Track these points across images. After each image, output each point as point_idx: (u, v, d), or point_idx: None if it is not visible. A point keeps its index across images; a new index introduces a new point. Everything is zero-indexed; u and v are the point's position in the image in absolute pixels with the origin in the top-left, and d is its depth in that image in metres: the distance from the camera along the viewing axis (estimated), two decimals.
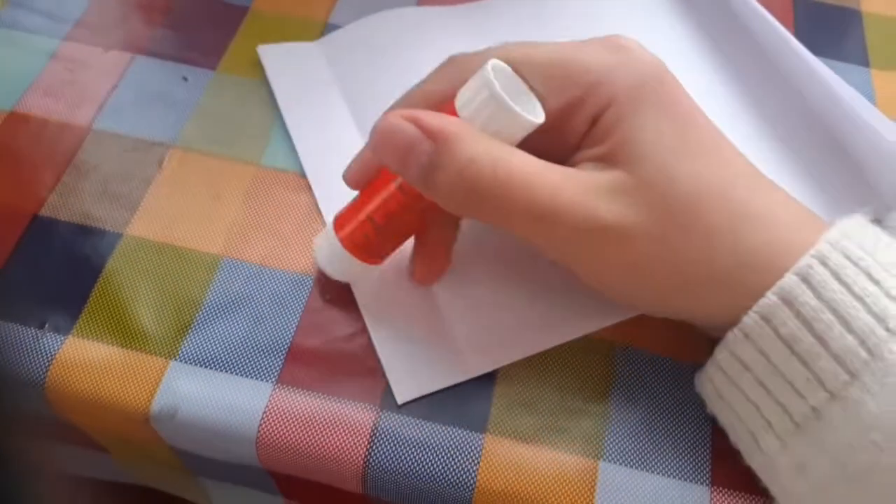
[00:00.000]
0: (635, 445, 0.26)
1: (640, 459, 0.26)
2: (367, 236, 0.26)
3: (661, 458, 0.26)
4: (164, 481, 0.33)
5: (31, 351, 0.26)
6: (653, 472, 0.25)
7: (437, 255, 0.28)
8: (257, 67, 0.34)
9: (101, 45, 0.35)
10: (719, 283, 0.23)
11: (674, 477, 0.25)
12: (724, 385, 0.24)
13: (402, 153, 0.23)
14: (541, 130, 0.24)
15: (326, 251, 0.27)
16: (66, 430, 0.29)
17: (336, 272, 0.28)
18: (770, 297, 0.22)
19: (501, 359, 0.27)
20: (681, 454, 0.26)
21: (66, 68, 0.34)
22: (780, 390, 0.22)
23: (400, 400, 0.26)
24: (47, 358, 0.26)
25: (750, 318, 0.22)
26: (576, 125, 0.24)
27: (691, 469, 0.25)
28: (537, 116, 0.24)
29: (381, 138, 0.24)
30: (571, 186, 0.23)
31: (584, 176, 0.24)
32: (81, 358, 0.26)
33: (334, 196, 0.29)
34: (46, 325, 0.27)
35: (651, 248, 0.23)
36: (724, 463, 0.25)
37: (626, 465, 0.25)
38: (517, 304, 0.28)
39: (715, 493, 0.25)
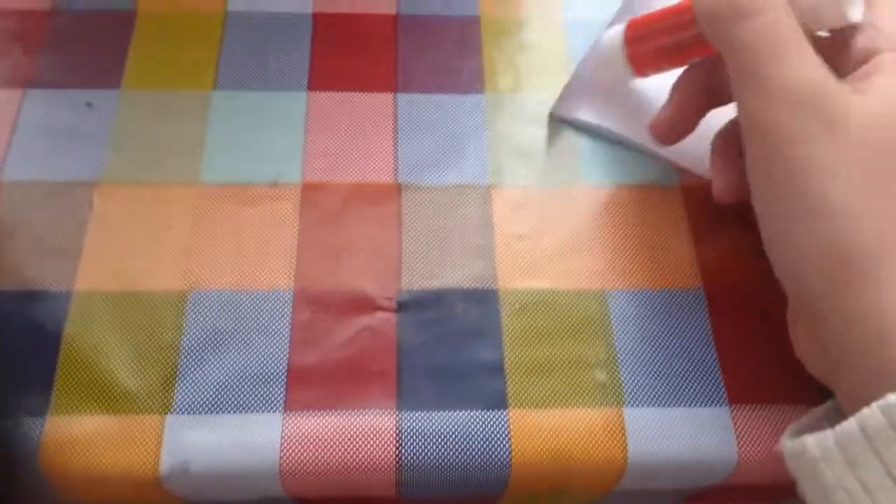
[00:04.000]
0: (651, 384, 0.26)
1: (659, 396, 0.26)
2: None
3: (678, 390, 0.26)
4: None
5: (12, 443, 0.24)
6: (674, 405, 0.26)
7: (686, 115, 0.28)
8: (165, 77, 0.31)
9: None
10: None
11: (694, 405, 0.26)
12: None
13: None
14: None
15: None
16: None
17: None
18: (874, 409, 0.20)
19: None
20: (694, 381, 0.26)
21: None
22: None
23: None
24: (32, 446, 0.24)
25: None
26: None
27: (708, 393, 0.26)
28: (855, 15, 0.23)
29: None
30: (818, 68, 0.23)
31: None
32: (69, 436, 0.24)
33: None
34: (20, 411, 0.25)
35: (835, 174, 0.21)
36: (736, 380, 0.26)
37: (648, 406, 0.26)
38: None
39: (735, 411, 0.26)
